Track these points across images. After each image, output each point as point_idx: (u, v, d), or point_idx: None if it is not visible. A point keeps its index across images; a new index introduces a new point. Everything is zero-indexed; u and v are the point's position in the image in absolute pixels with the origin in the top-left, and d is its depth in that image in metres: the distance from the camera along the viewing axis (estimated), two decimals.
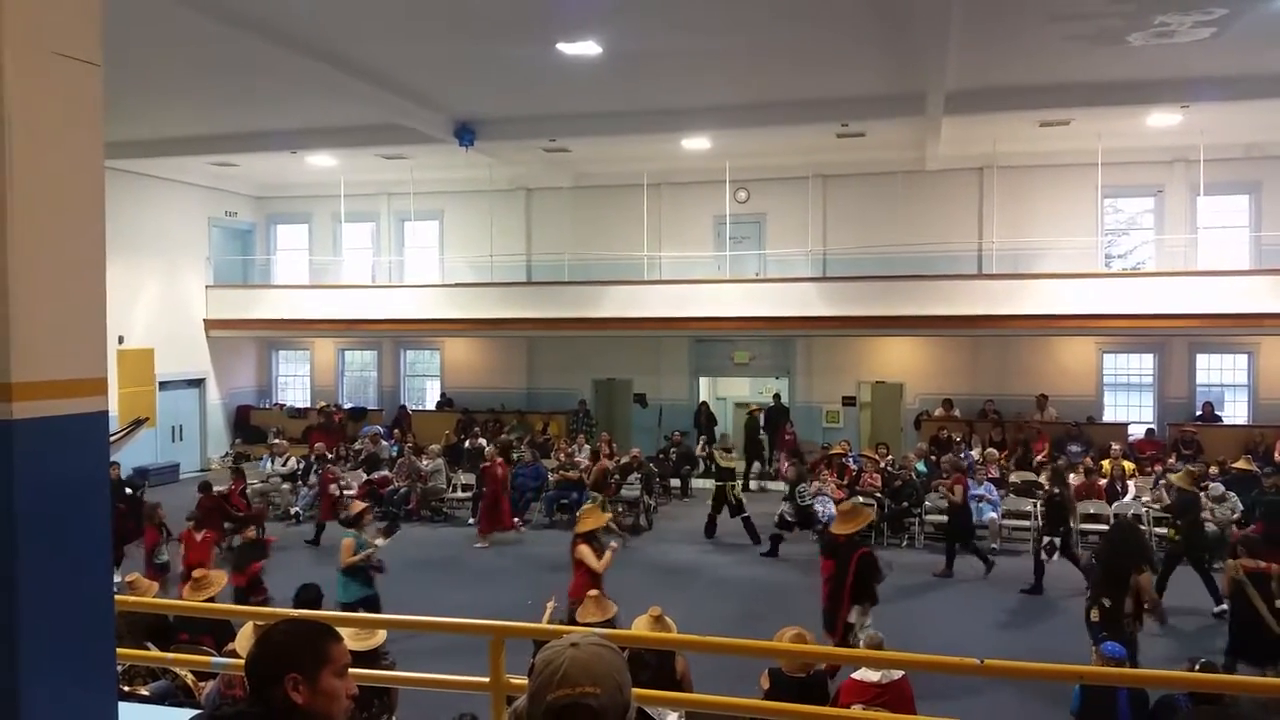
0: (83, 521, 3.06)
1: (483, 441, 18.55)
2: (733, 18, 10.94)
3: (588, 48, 11.98)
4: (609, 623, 7.40)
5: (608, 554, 9.47)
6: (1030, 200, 19.00)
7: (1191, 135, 16.57)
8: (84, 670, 3.08)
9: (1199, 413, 18.45)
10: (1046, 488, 13.42)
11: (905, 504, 14.78)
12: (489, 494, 15.39)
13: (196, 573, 8.84)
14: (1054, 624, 10.91)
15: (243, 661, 5.02)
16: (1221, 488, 13.62)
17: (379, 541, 10.09)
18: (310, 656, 2.48)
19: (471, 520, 16.29)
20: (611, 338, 20.47)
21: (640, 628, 6.92)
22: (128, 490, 13.72)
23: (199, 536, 10.99)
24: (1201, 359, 19.15)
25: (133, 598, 6.94)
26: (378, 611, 9.30)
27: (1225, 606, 9.90)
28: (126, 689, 5.97)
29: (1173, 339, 18.59)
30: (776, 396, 20.89)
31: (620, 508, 16.09)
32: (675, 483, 18.70)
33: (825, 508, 14.94)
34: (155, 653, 6.64)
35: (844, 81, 13.80)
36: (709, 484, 19.24)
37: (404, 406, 22.52)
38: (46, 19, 2.92)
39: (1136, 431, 18.47)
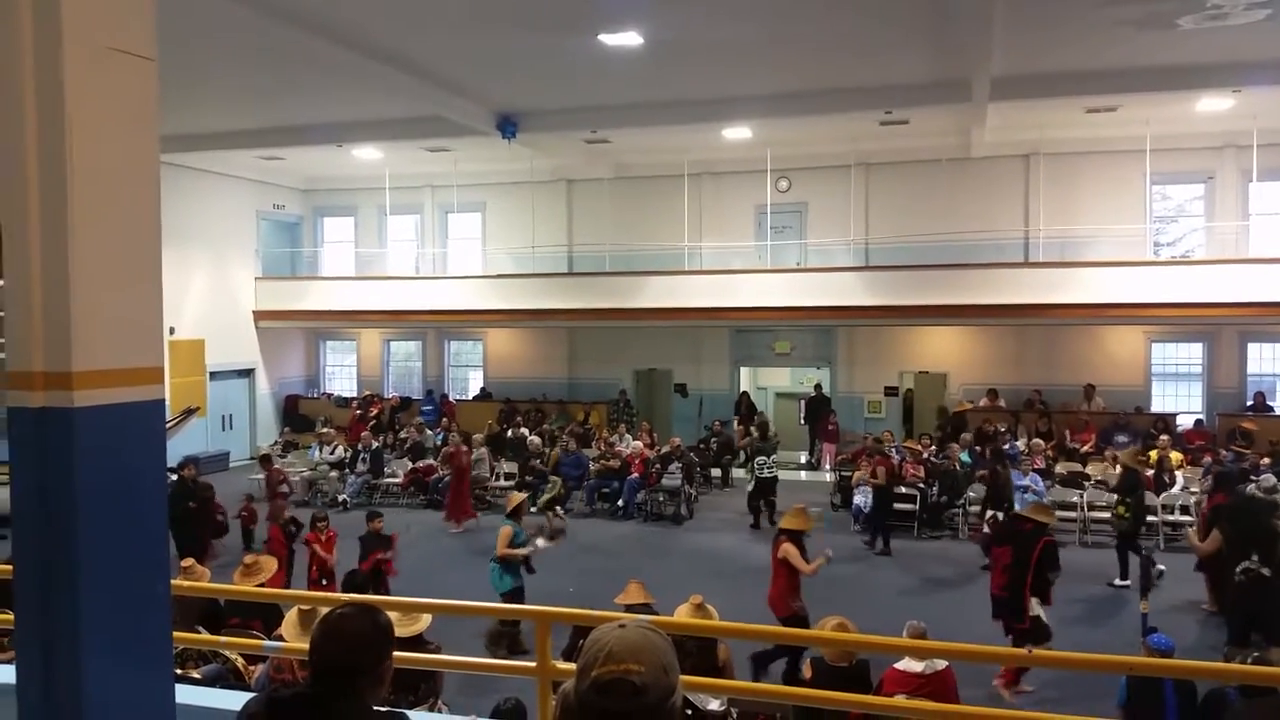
0: (141, 507, 3.13)
1: (525, 431, 18.70)
2: (774, 6, 10.89)
3: (629, 38, 11.99)
4: (646, 608, 7.42)
5: (819, 560, 8.89)
6: (1077, 187, 18.72)
7: (1243, 120, 16.24)
8: (143, 652, 3.15)
9: (1250, 403, 18.11)
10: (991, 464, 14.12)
11: (945, 497, 14.67)
12: (454, 482, 15.58)
13: (248, 558, 9.01)
14: (1098, 616, 10.80)
15: (293, 645, 5.12)
16: (1273, 479, 13.36)
17: (540, 542, 10.00)
18: (383, 648, 2.57)
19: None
20: (652, 328, 20.49)
21: (682, 616, 6.95)
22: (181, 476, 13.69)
23: (324, 536, 10.77)
24: (1253, 348, 18.78)
25: (186, 582, 7.09)
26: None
27: (1127, 582, 11.61)
28: (179, 671, 6.10)
29: (1223, 328, 18.26)
30: (818, 387, 20.82)
31: (662, 496, 16.18)
32: (716, 472, 18.71)
33: (865, 498, 14.93)
34: (207, 636, 6.79)
35: (887, 69, 13.69)
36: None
37: (444, 396, 22.71)
38: (103, 15, 2.99)
39: (1185, 422, 18.16)
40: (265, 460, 15.82)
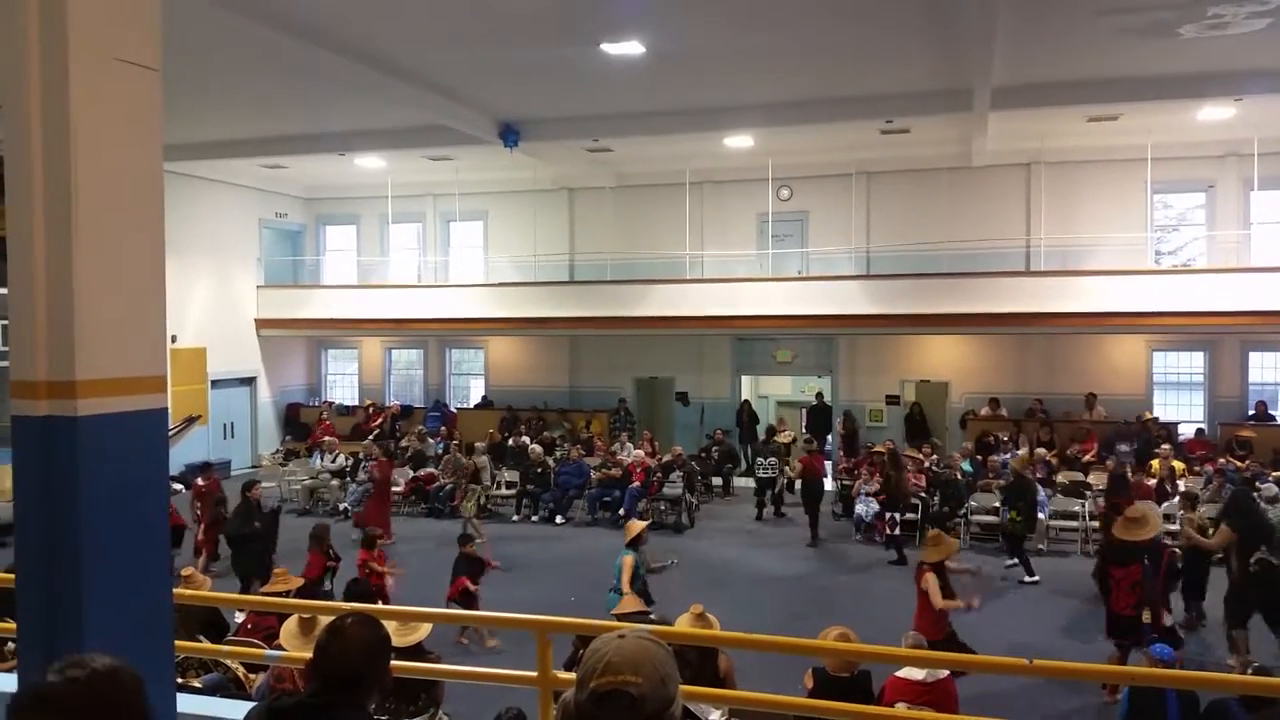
0: (143, 515, 3.14)
1: (526, 439, 18.70)
2: (777, 15, 10.91)
3: (631, 48, 12.01)
4: (643, 615, 7.39)
5: (961, 601, 8.74)
6: (1078, 196, 18.73)
7: (1245, 129, 16.26)
8: (144, 660, 3.15)
9: (1251, 412, 18.09)
10: (884, 467, 14.97)
11: (946, 507, 14.64)
12: (375, 493, 15.43)
13: (277, 571, 8.98)
14: (1095, 626, 10.77)
15: (294, 654, 5.11)
16: (1275, 488, 13.35)
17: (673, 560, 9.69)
18: (388, 657, 2.62)
19: (515, 517, 16.60)
20: (653, 336, 20.49)
21: (683, 626, 6.93)
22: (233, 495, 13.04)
23: (376, 554, 10.35)
24: (1255, 357, 18.76)
25: (187, 591, 7.08)
26: None
27: (1038, 578, 12.51)
28: (179, 680, 6.10)
29: (1224, 337, 18.25)
30: (819, 395, 20.82)
31: (663, 505, 16.18)
32: (717, 481, 18.69)
33: (867, 507, 14.92)
34: (208, 645, 6.78)
35: (889, 78, 13.71)
36: (750, 482, 19.38)
37: (446, 405, 22.72)
38: (109, 26, 3.01)
39: (1187, 431, 18.13)
40: (205, 468, 14.59)
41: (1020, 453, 16.05)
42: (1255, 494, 12.95)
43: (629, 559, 9.55)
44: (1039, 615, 11.32)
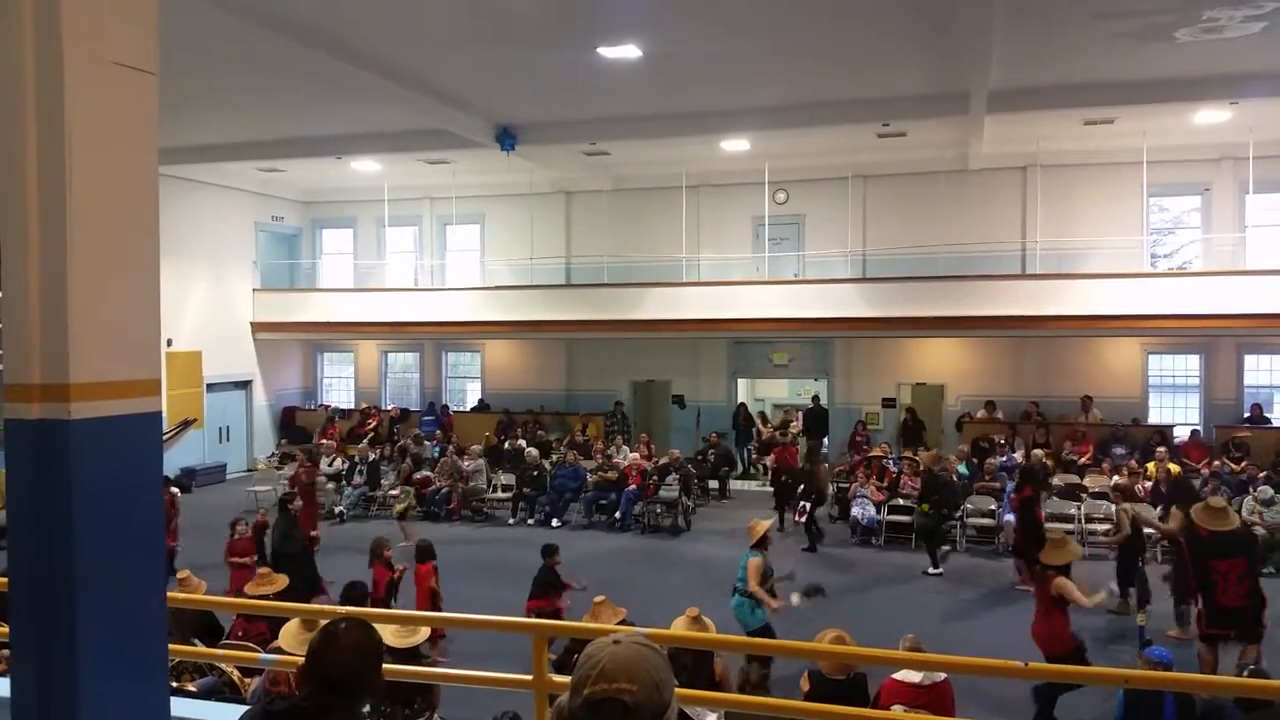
0: (137, 519, 3.13)
1: (522, 443, 18.69)
2: (773, 19, 10.92)
3: (628, 51, 12.02)
4: (624, 623, 7.38)
5: (1100, 594, 8.60)
6: (1074, 199, 18.77)
7: (1240, 132, 16.30)
8: (138, 665, 3.15)
9: (1247, 414, 18.11)
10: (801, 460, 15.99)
11: (944, 510, 14.61)
12: (301, 496, 15.09)
13: (261, 570, 8.98)
14: (1095, 631, 10.77)
15: (289, 658, 5.10)
16: (1270, 491, 13.40)
17: (794, 599, 9.23)
18: (380, 660, 2.63)
19: (512, 520, 16.59)
20: (650, 339, 20.49)
21: (678, 629, 6.93)
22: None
23: (425, 569, 10.15)
24: (1250, 360, 18.80)
25: (182, 594, 7.07)
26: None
27: (941, 570, 12.97)
28: (175, 684, 6.09)
29: (1220, 339, 18.28)
30: (815, 398, 20.82)
31: (659, 508, 16.17)
32: (713, 484, 18.68)
33: (864, 510, 14.91)
34: (203, 649, 6.77)
35: (885, 81, 13.73)
36: (747, 485, 19.38)
37: (445, 406, 22.72)
38: (105, 29, 3.00)
39: (1182, 434, 18.14)
40: (165, 482, 13.83)
41: (931, 450, 16.15)
42: (1251, 498, 13.12)
43: (755, 561, 9.16)
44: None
